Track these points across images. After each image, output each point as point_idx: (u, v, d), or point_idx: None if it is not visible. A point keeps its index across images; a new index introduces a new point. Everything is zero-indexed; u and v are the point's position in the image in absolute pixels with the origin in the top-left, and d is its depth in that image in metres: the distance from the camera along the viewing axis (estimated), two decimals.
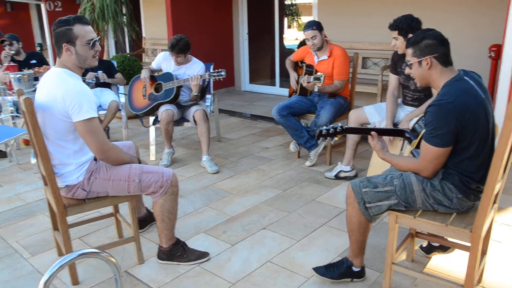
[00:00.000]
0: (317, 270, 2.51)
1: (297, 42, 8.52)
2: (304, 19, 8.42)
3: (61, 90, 2.24)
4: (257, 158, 4.68)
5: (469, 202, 2.11)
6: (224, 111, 6.78)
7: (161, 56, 4.61)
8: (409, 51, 2.15)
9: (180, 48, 4.32)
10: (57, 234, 2.71)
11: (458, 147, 2.03)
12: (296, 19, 8.78)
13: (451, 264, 2.65)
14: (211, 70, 4.67)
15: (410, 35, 3.21)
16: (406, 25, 3.24)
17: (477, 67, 5.07)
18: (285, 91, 7.11)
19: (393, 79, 3.61)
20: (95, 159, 2.48)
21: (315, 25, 4.13)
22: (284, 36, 8.27)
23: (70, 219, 2.90)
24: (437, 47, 2.07)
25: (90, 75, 4.99)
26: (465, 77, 2.06)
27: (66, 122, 2.29)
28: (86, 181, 2.43)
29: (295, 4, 8.32)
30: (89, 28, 2.36)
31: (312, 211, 3.40)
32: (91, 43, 2.34)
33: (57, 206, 2.39)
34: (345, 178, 3.96)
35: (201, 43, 7.49)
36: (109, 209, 3.10)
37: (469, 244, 2.03)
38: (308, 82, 4.01)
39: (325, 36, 4.24)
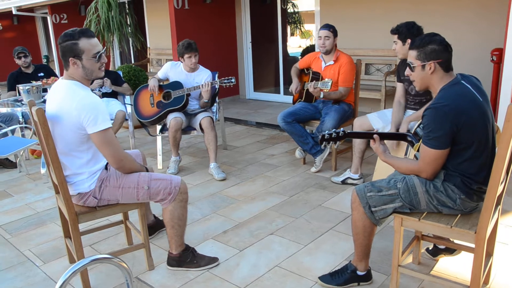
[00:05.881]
0: (323, 278, 2.55)
1: (300, 50, 8.59)
2: (307, 26, 8.49)
3: (74, 102, 2.28)
4: (263, 165, 4.72)
5: (472, 203, 2.15)
6: (229, 119, 6.84)
7: (168, 66, 4.69)
8: (413, 53, 2.18)
9: (196, 48, 4.47)
10: (68, 241, 2.77)
11: (457, 149, 2.07)
12: (298, 26, 8.85)
13: (457, 266, 2.67)
14: (216, 78, 4.75)
15: (408, 41, 3.30)
16: (406, 30, 3.34)
17: (480, 71, 5.16)
18: (289, 99, 7.16)
19: (399, 87, 3.66)
20: (106, 168, 2.53)
21: (332, 28, 4.23)
22: (287, 43, 8.34)
23: (81, 227, 2.94)
24: (442, 53, 2.11)
25: (96, 83, 5.05)
26: (462, 81, 2.11)
27: (79, 133, 2.32)
28: (97, 189, 2.48)
29: (298, 12, 8.39)
30: (95, 41, 2.36)
31: (318, 216, 3.44)
32: (97, 57, 2.35)
33: (69, 213, 2.45)
34: (351, 184, 4.00)
35: (205, 52, 7.57)
36: (119, 217, 3.15)
37: (474, 246, 2.06)
38: (315, 88, 4.05)
39: (335, 44, 4.29)
